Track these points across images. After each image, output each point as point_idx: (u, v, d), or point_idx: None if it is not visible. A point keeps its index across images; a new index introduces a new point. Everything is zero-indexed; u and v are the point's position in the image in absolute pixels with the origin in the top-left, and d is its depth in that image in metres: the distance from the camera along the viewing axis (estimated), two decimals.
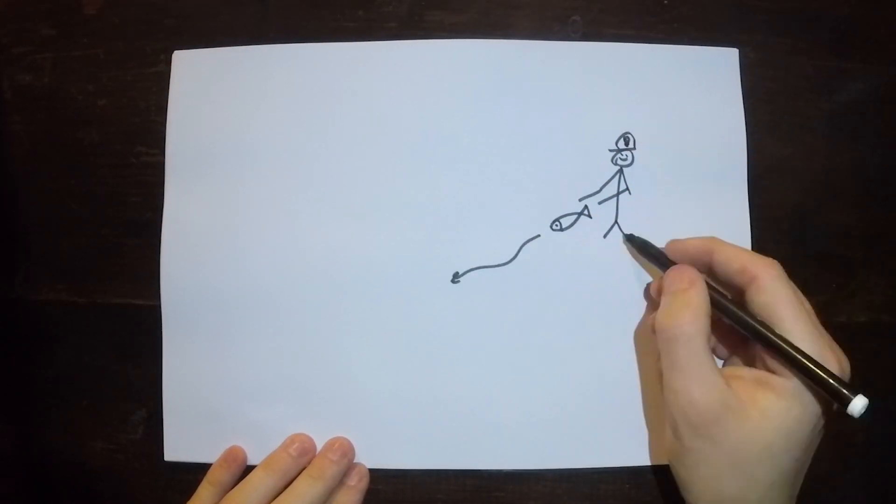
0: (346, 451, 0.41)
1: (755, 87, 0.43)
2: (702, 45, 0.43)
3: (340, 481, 0.41)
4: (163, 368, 0.42)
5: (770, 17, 0.43)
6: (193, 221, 0.43)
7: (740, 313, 0.35)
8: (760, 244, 0.42)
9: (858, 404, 0.31)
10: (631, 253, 0.42)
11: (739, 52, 0.43)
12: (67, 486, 0.44)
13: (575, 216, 0.42)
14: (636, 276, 0.42)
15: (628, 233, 0.42)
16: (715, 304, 0.36)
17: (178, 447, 0.43)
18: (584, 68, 0.42)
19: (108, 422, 0.44)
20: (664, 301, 0.36)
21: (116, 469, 0.44)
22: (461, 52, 0.42)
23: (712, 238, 0.38)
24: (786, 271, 0.35)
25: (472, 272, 0.42)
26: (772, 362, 0.34)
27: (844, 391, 0.32)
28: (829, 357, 0.33)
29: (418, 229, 0.42)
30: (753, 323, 0.35)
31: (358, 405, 0.42)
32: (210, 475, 0.41)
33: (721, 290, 0.37)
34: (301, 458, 0.41)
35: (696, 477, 0.35)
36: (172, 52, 0.43)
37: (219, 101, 0.43)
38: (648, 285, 0.41)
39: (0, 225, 0.44)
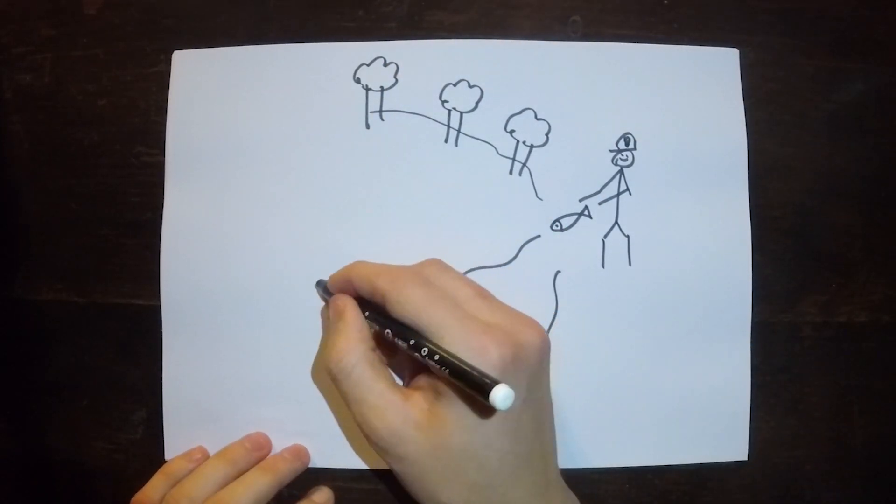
0: (300, 454, 0.42)
1: (755, 87, 0.43)
2: (702, 45, 0.43)
3: (306, 496, 0.42)
4: (163, 368, 0.42)
5: (770, 17, 0.43)
6: (193, 221, 0.42)
7: (375, 325, 0.35)
8: (761, 244, 0.42)
9: (499, 394, 0.29)
10: (322, 299, 0.41)
11: (739, 53, 0.43)
12: (67, 486, 0.44)
13: (575, 217, 0.42)
14: (637, 276, 0.42)
15: (319, 279, 0.41)
16: (372, 320, 0.36)
17: (178, 447, 0.42)
18: (584, 68, 0.42)
19: (108, 422, 0.44)
20: (324, 339, 0.36)
21: (116, 469, 0.44)
22: (464, 53, 0.42)
23: (352, 264, 0.38)
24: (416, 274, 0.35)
25: (472, 272, 0.42)
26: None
27: (484, 382, 0.29)
28: (483, 342, 0.31)
29: (418, 229, 0.42)
30: (389, 332, 0.34)
31: None
32: (167, 467, 0.41)
33: (374, 308, 0.36)
34: (255, 451, 0.41)
35: (419, 495, 0.35)
36: (172, 52, 0.43)
37: (219, 101, 0.43)
38: None
39: (0, 225, 0.44)
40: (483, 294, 0.35)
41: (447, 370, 0.31)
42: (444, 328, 0.32)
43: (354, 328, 0.35)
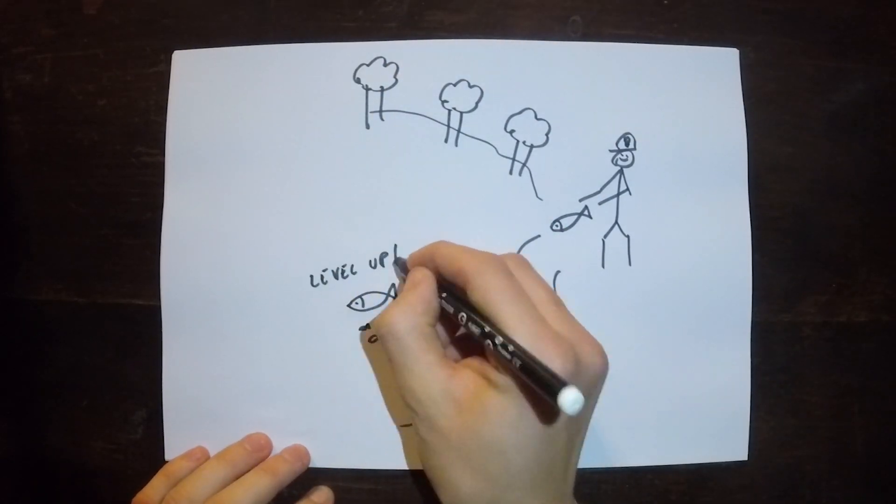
0: (300, 454, 0.42)
1: (755, 87, 0.43)
2: (702, 45, 0.43)
3: (306, 496, 0.42)
4: (162, 368, 0.42)
5: (770, 17, 0.43)
6: (193, 221, 0.42)
7: (449, 307, 0.35)
8: (761, 244, 0.42)
9: (569, 397, 0.28)
10: (399, 278, 0.41)
11: (739, 53, 0.43)
12: (67, 486, 0.44)
13: (575, 216, 0.42)
14: (637, 276, 0.42)
15: (397, 257, 0.41)
16: (443, 302, 0.36)
17: (178, 447, 0.42)
18: (584, 68, 0.42)
19: (108, 422, 0.44)
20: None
21: (116, 469, 0.44)
22: (464, 53, 0.42)
23: (436, 243, 0.38)
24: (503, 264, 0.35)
25: None
26: (493, 357, 0.33)
27: (554, 382, 0.29)
28: (550, 351, 0.31)
29: (418, 229, 0.42)
30: (463, 315, 0.34)
31: (358, 405, 0.42)
32: (167, 468, 0.41)
33: (451, 290, 0.36)
34: (255, 452, 0.41)
35: (433, 470, 0.35)
36: (172, 52, 0.43)
37: (219, 101, 0.43)
38: None
39: (0, 225, 0.44)
40: (556, 301, 0.35)
41: (518, 363, 0.31)
42: (519, 325, 0.32)
43: (422, 299, 0.35)
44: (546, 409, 0.32)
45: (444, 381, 0.34)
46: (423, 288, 0.36)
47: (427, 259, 0.37)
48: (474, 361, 0.35)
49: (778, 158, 0.43)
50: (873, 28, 0.44)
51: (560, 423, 0.33)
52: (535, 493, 0.33)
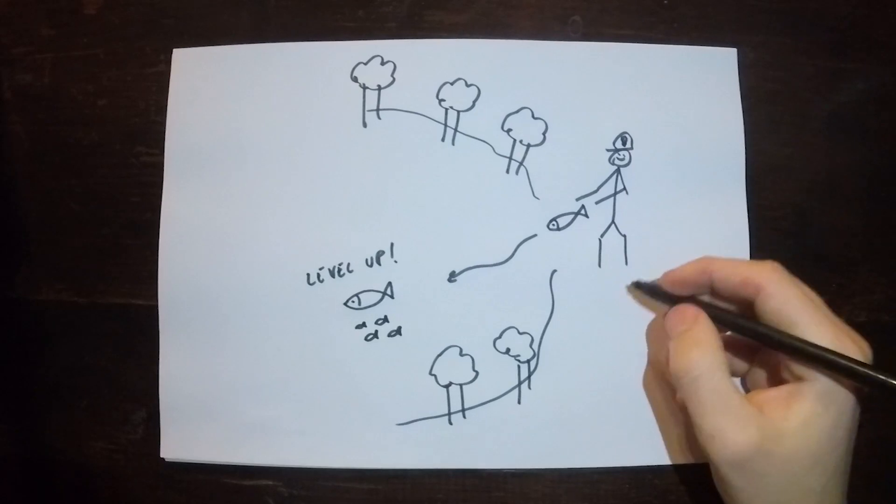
0: None
1: (755, 87, 0.43)
2: (701, 45, 0.43)
3: None
4: (160, 368, 0.43)
5: (770, 17, 0.43)
6: (192, 221, 0.43)
7: (757, 328, 0.34)
8: (760, 244, 0.42)
9: None
10: (636, 299, 0.41)
11: (739, 52, 0.43)
12: (67, 486, 0.44)
13: (572, 216, 0.42)
14: (633, 275, 0.42)
15: (635, 280, 0.39)
16: (727, 324, 0.35)
17: (175, 446, 0.43)
18: (583, 68, 0.42)
19: (108, 422, 0.44)
20: (672, 346, 0.35)
21: (116, 469, 0.44)
22: (461, 52, 0.42)
23: (704, 258, 0.36)
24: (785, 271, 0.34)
25: (468, 271, 0.42)
26: (797, 368, 0.33)
27: (878, 373, 0.31)
28: (850, 346, 0.32)
29: (415, 228, 0.42)
30: (772, 334, 0.33)
31: (357, 405, 0.42)
32: None
33: (725, 307, 0.36)
34: None
35: None
36: (172, 51, 0.43)
37: (219, 101, 0.43)
38: (648, 325, 0.41)
39: (0, 225, 0.44)
40: (823, 303, 0.35)
41: (833, 365, 0.31)
42: (819, 329, 0.32)
43: (711, 335, 0.34)
44: (858, 402, 0.33)
45: (757, 417, 0.33)
46: (705, 324, 0.35)
47: (696, 276, 0.36)
48: (770, 392, 0.34)
49: (777, 158, 0.43)
50: (873, 28, 0.44)
51: (857, 420, 0.33)
52: (840, 490, 0.34)
